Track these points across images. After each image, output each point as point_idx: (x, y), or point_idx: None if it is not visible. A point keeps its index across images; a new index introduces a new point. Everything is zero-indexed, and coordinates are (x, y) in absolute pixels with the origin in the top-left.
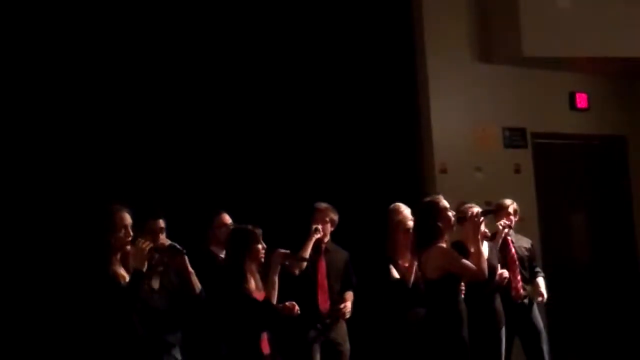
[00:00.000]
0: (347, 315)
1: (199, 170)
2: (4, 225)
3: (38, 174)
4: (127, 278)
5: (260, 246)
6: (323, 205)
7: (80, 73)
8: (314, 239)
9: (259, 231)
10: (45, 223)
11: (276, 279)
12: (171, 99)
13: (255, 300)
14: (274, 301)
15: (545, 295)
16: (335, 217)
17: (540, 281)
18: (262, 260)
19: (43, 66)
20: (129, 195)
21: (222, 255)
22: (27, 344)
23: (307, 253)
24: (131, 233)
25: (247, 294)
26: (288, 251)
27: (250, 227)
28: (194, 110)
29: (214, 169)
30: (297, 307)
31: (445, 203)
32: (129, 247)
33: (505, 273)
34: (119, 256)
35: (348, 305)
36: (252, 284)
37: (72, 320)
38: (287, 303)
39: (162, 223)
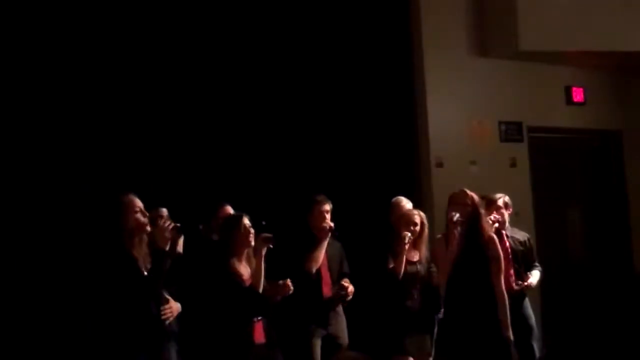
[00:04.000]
0: (350, 297)
1: (202, 164)
2: (22, 218)
3: (51, 168)
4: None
5: (244, 230)
6: (322, 197)
7: (90, 71)
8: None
9: (246, 216)
10: (60, 215)
11: (262, 264)
12: (178, 99)
13: (238, 283)
14: (260, 286)
15: (533, 283)
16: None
17: (535, 272)
18: (252, 244)
19: (50, 64)
20: (136, 189)
21: None
22: (45, 328)
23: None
24: (147, 214)
25: (232, 273)
26: (270, 235)
27: (237, 213)
28: (197, 108)
29: (217, 163)
30: (290, 286)
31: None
32: (148, 229)
33: None
34: (137, 240)
35: (351, 287)
36: (245, 271)
37: (92, 305)
38: (280, 282)
39: (164, 211)
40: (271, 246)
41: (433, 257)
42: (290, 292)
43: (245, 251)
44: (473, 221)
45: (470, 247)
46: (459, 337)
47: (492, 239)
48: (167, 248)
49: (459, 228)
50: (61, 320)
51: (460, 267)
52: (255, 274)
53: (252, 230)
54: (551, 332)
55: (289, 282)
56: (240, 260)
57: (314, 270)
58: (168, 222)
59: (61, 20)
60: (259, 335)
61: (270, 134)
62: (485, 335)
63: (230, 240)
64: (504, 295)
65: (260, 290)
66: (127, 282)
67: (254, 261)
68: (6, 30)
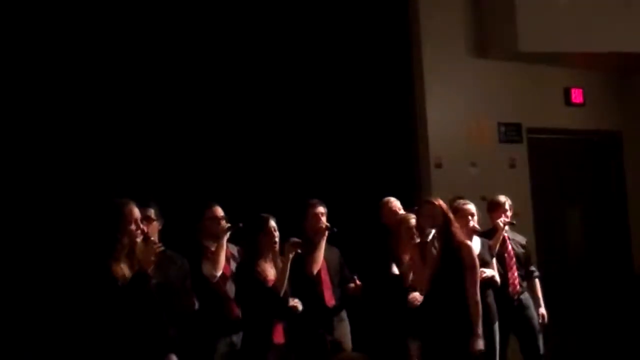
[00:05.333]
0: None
1: (193, 163)
2: (7, 224)
3: (33, 171)
4: (128, 275)
5: (270, 232)
6: (316, 200)
7: (74, 71)
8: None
9: (272, 218)
10: (44, 220)
11: (288, 268)
12: (166, 94)
13: (262, 283)
14: (282, 289)
15: (544, 312)
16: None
17: (539, 290)
18: (277, 247)
19: (42, 66)
20: (121, 189)
21: (212, 248)
22: (26, 338)
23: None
24: (141, 226)
25: (257, 273)
26: (299, 240)
27: (264, 215)
28: (189, 105)
29: (208, 162)
30: (297, 307)
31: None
32: (139, 241)
33: (486, 272)
34: (125, 252)
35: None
36: (270, 272)
37: (72, 318)
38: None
39: (152, 212)
40: (299, 251)
41: (410, 264)
42: (299, 311)
43: (270, 253)
44: (444, 229)
45: (446, 255)
46: (439, 349)
47: (465, 245)
48: (149, 272)
49: (435, 244)
50: (39, 327)
51: (438, 277)
52: (279, 278)
53: (277, 233)
54: (551, 332)
55: (296, 303)
56: (265, 262)
57: (315, 271)
58: (157, 246)
59: (57, 28)
60: (279, 335)
61: (268, 135)
62: (462, 349)
63: (256, 242)
64: (477, 306)
65: (282, 293)
66: (101, 294)
67: (279, 263)
68: (8, 32)
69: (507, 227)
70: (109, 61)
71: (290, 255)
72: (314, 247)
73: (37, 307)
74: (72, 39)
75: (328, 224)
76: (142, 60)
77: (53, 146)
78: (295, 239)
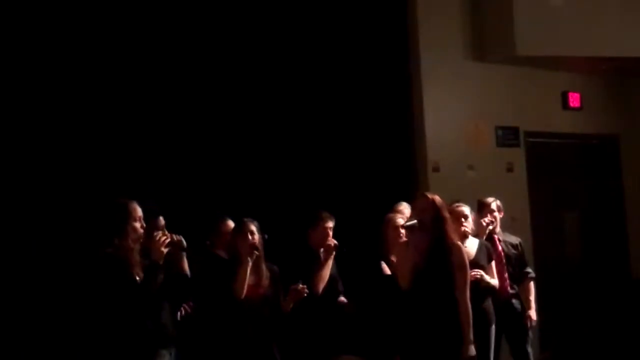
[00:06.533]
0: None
1: (199, 174)
2: (16, 226)
3: (47, 174)
4: (140, 273)
5: (245, 235)
6: (328, 214)
7: (88, 76)
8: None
9: (253, 222)
10: (57, 221)
11: (247, 271)
12: (176, 106)
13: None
14: (242, 294)
15: (533, 316)
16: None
17: (532, 291)
18: (256, 251)
19: (46, 66)
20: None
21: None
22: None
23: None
24: (144, 224)
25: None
26: (254, 242)
27: (246, 218)
28: (194, 115)
29: (211, 169)
30: (304, 289)
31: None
32: (140, 240)
33: (486, 278)
34: (132, 247)
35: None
36: (250, 278)
37: (88, 316)
38: (292, 286)
39: (162, 220)
40: (257, 253)
41: (396, 263)
42: (305, 294)
43: (251, 257)
44: (437, 226)
45: (435, 253)
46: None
47: (457, 246)
48: (161, 262)
49: (415, 233)
50: (52, 325)
51: (424, 275)
52: (240, 280)
53: (256, 236)
54: (548, 336)
55: (301, 285)
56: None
57: (320, 290)
58: (164, 237)
59: (57, 28)
60: None
61: (266, 139)
62: (447, 353)
63: (235, 244)
64: (467, 310)
65: (242, 296)
66: (119, 289)
67: (263, 269)
68: (10, 33)
69: (499, 229)
70: (118, 72)
71: (249, 259)
72: (320, 265)
73: (49, 305)
74: (80, 42)
75: (336, 243)
76: (155, 74)
77: (68, 155)
78: (252, 242)
